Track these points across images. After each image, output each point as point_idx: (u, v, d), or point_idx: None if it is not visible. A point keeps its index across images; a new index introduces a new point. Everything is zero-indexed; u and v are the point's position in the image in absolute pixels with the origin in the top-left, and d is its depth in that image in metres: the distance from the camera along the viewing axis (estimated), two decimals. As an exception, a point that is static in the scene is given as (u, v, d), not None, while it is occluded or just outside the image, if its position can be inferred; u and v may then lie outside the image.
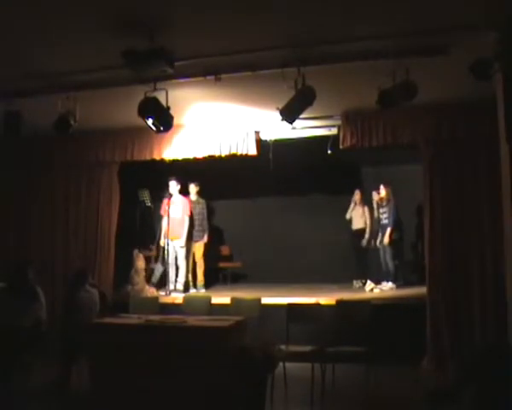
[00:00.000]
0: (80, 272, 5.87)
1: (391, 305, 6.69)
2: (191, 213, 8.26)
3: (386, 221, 7.95)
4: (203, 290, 8.08)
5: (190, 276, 8.38)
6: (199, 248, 8.35)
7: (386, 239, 7.85)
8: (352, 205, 8.36)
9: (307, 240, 9.13)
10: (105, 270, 7.54)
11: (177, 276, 8.16)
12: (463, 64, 4.37)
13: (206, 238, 8.38)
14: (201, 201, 8.44)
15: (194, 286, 8.35)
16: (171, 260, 8.09)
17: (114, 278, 7.58)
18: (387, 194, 7.94)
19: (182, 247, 8.11)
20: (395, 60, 4.65)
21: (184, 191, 8.43)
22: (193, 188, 8.44)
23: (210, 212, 8.98)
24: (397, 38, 4.52)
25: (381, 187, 7.98)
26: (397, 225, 7.86)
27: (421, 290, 6.75)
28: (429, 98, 5.68)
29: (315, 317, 5.75)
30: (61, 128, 5.61)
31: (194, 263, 8.36)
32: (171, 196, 8.16)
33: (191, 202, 8.40)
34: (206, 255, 8.43)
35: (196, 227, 8.32)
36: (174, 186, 8.19)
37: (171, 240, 8.06)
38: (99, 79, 5.33)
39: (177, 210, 8.13)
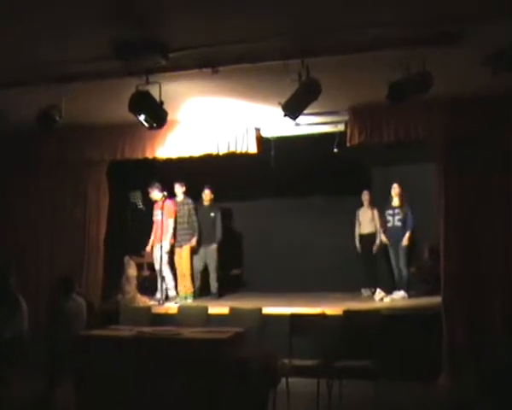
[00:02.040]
0: (66, 280, 5.86)
1: (403, 315, 6.67)
2: (175, 215, 8.27)
3: (399, 224, 7.94)
4: (190, 301, 8.02)
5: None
6: (185, 253, 8.31)
7: (406, 242, 7.84)
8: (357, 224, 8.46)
9: (311, 245, 9.12)
10: (93, 277, 7.52)
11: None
12: (481, 54, 4.35)
13: (194, 241, 8.36)
14: (189, 201, 8.43)
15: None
16: (157, 267, 8.14)
17: (103, 287, 7.57)
18: (401, 194, 7.93)
19: (166, 252, 8.11)
20: (407, 50, 4.63)
21: (171, 193, 8.42)
22: (178, 188, 8.44)
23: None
24: (408, 25, 4.50)
25: (395, 185, 7.97)
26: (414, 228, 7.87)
27: (435, 300, 6.73)
28: (444, 92, 5.66)
29: (320, 328, 5.75)
30: (44, 124, 5.60)
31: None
32: (155, 201, 8.29)
33: (176, 203, 8.39)
34: (192, 260, 8.42)
35: (181, 230, 8.31)
36: (157, 194, 8.26)
37: (155, 245, 8.21)
38: (86, 70, 5.30)
39: (159, 213, 8.22)
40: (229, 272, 9.36)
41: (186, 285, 8.24)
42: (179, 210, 8.37)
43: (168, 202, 8.26)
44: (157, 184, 8.31)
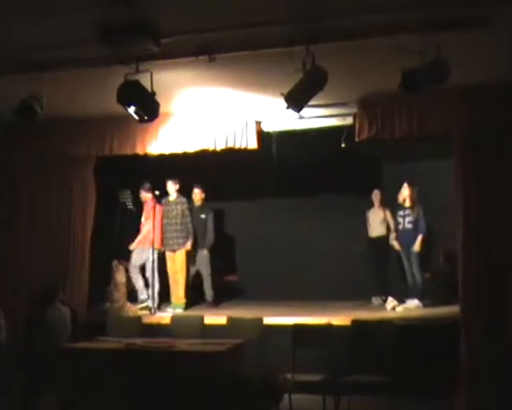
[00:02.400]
0: (49, 287, 5.85)
1: (417, 326, 6.67)
2: (161, 217, 8.24)
3: (409, 226, 7.90)
4: (180, 311, 7.95)
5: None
6: (179, 258, 8.23)
7: (418, 247, 7.79)
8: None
9: (317, 248, 9.11)
10: (78, 284, 7.49)
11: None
12: (504, 39, 4.31)
13: (189, 245, 8.27)
14: (182, 200, 8.33)
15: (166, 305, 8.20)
16: (131, 271, 8.29)
17: (89, 294, 7.55)
18: (412, 194, 7.89)
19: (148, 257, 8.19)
20: (422, 34, 4.57)
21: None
22: (171, 186, 8.33)
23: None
24: (424, 7, 4.43)
25: (405, 185, 7.93)
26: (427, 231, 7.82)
27: (453, 309, 6.70)
28: (463, 80, 5.62)
29: (326, 340, 5.79)
30: (24, 116, 5.55)
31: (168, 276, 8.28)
32: (145, 203, 8.35)
33: (167, 203, 8.31)
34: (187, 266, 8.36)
35: (174, 233, 8.21)
36: (145, 194, 8.35)
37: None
38: (70, 57, 5.24)
39: (147, 215, 8.33)
40: (226, 279, 9.32)
41: (179, 295, 8.15)
42: (171, 210, 8.28)
43: (154, 203, 8.29)
44: (146, 185, 8.31)
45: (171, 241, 8.23)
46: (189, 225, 8.28)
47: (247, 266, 9.32)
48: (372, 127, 6.65)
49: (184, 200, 8.38)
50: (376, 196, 8.46)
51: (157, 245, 8.18)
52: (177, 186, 8.37)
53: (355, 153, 7.84)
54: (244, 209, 9.59)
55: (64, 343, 5.35)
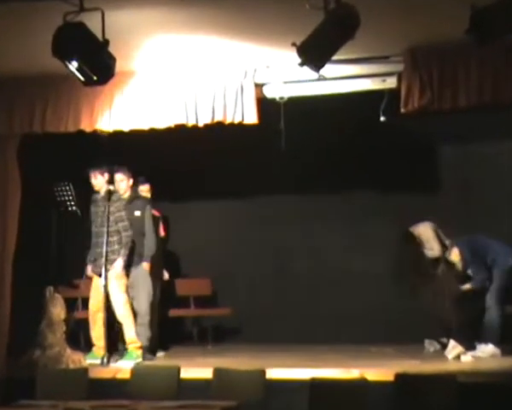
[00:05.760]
0: None
1: (492, 385, 6.61)
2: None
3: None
4: (138, 360, 7.83)
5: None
6: (111, 284, 7.92)
7: (454, 257, 7.87)
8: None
9: (344, 268, 9.14)
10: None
11: None
12: None
13: (119, 265, 7.96)
14: (113, 197, 8.11)
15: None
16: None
17: (10, 337, 7.55)
18: (463, 258, 7.94)
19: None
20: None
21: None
22: (96, 177, 8.13)
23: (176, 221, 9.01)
24: None
25: (455, 251, 8.00)
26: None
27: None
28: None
29: (358, 402, 5.68)
30: None
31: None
32: None
33: (93, 203, 8.21)
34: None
35: (101, 247, 7.93)
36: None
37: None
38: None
39: None
40: (211, 312, 9.37)
41: (100, 341, 7.93)
42: (99, 213, 8.12)
43: None
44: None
45: (99, 260, 8.02)
46: (125, 234, 8.07)
47: (244, 295, 9.36)
48: (425, 93, 6.67)
49: (116, 197, 8.11)
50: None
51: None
52: (106, 177, 8.17)
53: (400, 130, 7.85)
54: (239, 211, 9.61)
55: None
